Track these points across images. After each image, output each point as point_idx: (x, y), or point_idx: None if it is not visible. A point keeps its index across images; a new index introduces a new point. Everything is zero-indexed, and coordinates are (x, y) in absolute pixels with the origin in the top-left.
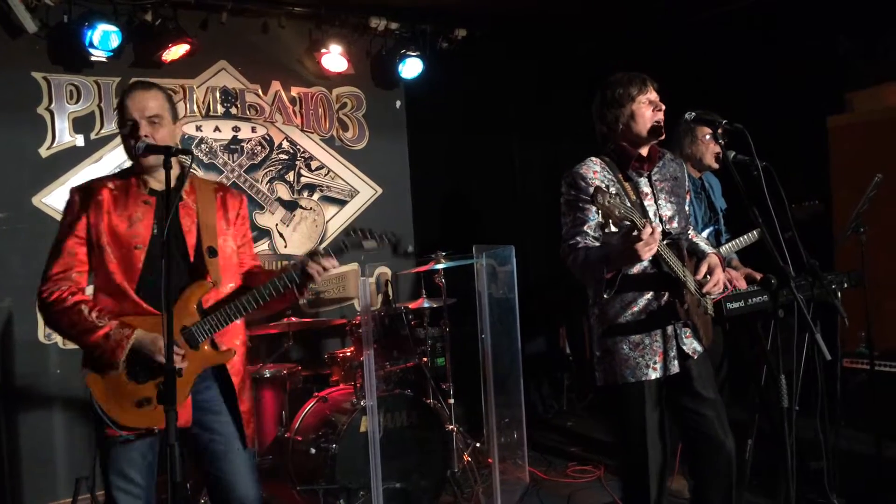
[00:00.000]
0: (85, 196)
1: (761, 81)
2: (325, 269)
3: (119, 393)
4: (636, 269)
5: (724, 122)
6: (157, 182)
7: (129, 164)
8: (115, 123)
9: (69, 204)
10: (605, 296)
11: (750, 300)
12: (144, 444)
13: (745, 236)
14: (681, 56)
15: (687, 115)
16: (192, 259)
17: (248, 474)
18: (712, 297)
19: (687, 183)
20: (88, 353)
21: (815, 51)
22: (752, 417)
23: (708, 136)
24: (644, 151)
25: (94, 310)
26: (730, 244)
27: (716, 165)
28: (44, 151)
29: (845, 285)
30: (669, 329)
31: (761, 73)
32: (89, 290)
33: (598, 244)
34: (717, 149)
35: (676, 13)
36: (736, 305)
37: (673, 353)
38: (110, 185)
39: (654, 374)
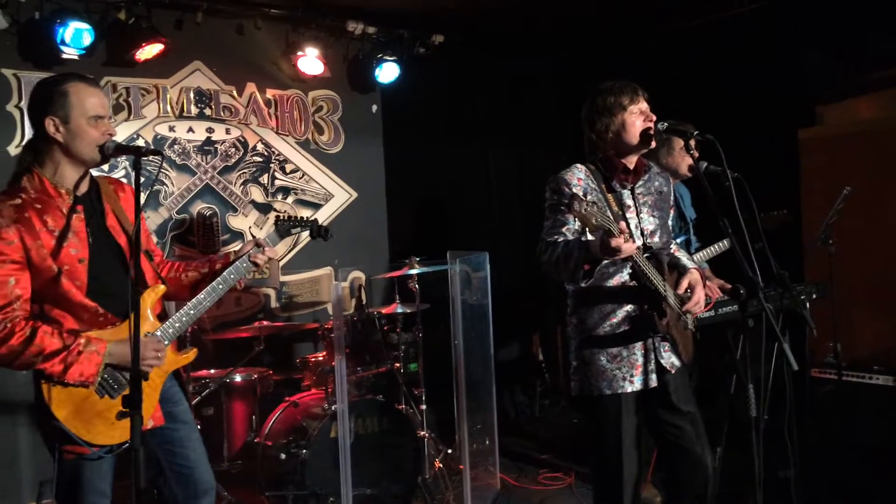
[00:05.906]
0: (10, 215)
1: (734, 92)
2: (269, 258)
3: (90, 411)
4: (615, 281)
5: (695, 132)
6: (79, 185)
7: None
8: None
9: None
10: (581, 284)
11: (720, 310)
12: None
13: (715, 246)
14: (654, 66)
15: (659, 126)
16: (127, 259)
17: (208, 463)
18: (693, 313)
19: (672, 197)
20: (55, 376)
21: (788, 63)
22: (721, 426)
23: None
24: (631, 163)
25: (54, 333)
26: (699, 254)
27: (691, 175)
28: (13, 149)
29: (814, 296)
30: (648, 342)
31: (734, 85)
32: None
33: None
34: (691, 159)
35: (648, 24)
36: (706, 315)
37: (652, 366)
38: (27, 198)
39: (630, 388)
